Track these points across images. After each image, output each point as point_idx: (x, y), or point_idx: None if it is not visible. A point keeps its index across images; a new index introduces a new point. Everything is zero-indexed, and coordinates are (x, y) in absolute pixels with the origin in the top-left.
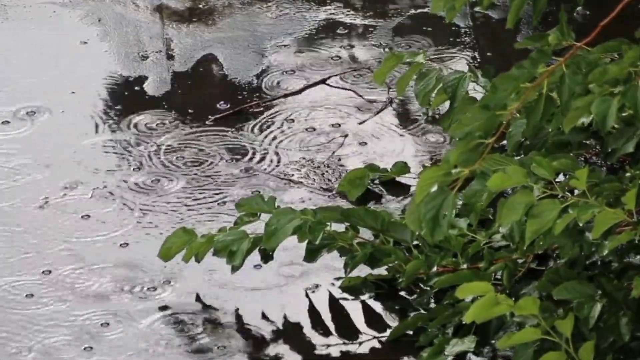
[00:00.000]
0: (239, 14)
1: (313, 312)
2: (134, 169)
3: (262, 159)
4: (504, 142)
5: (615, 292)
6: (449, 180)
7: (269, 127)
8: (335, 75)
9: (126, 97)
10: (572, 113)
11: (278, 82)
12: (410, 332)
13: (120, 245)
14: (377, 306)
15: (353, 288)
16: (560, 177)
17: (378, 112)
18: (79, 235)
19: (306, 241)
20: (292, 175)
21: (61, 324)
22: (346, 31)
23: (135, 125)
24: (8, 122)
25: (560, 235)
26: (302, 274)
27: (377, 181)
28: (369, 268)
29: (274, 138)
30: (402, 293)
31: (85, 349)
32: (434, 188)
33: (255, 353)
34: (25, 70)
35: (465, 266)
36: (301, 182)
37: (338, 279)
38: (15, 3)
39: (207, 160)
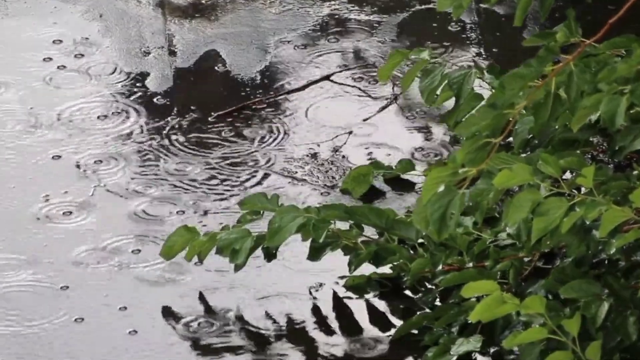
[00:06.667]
0: (242, 10)
1: (317, 311)
2: (135, 167)
3: (265, 156)
4: (510, 138)
5: (623, 291)
6: (455, 180)
7: (272, 123)
8: (339, 71)
9: (128, 94)
10: (581, 112)
11: (281, 79)
12: (415, 332)
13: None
14: (382, 305)
15: (357, 287)
16: (567, 175)
17: (383, 109)
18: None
19: (310, 239)
20: (296, 172)
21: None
22: (350, 27)
23: (137, 123)
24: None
25: (567, 234)
26: (305, 273)
27: (381, 179)
28: (373, 266)
29: (277, 135)
30: (407, 292)
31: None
32: (441, 188)
33: (259, 352)
34: (25, 68)
35: (470, 265)
36: (305, 180)
37: (342, 277)
38: None
39: (209, 159)
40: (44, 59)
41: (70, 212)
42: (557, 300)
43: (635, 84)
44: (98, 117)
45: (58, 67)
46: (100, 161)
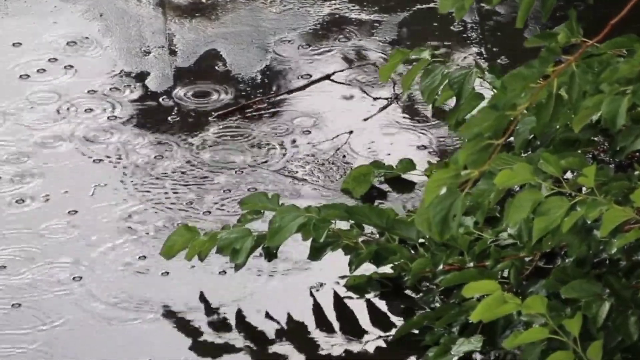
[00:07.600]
0: (243, 9)
1: (317, 310)
2: (135, 167)
3: (266, 155)
4: (511, 138)
5: (624, 290)
6: (458, 182)
7: (272, 123)
8: (340, 71)
9: (128, 94)
10: (582, 112)
11: (282, 78)
12: (416, 331)
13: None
14: (382, 305)
15: (358, 287)
16: (568, 175)
17: (383, 109)
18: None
19: (310, 239)
20: (297, 172)
21: None
22: (351, 26)
23: (138, 123)
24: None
25: (568, 233)
26: (305, 273)
27: (382, 178)
28: (374, 266)
29: (278, 134)
30: (408, 292)
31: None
32: (443, 190)
33: (259, 352)
34: (25, 66)
35: (471, 264)
36: (305, 179)
37: (342, 277)
38: None
39: (209, 158)
40: (48, 59)
41: (76, 211)
42: (558, 300)
43: (637, 84)
44: (101, 117)
45: (61, 67)
46: (101, 160)
